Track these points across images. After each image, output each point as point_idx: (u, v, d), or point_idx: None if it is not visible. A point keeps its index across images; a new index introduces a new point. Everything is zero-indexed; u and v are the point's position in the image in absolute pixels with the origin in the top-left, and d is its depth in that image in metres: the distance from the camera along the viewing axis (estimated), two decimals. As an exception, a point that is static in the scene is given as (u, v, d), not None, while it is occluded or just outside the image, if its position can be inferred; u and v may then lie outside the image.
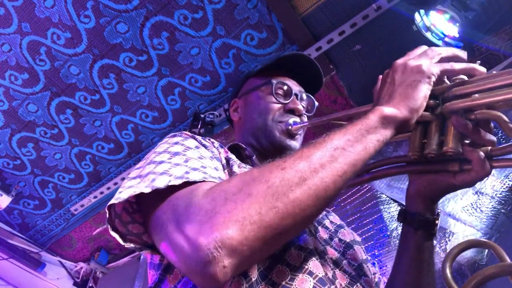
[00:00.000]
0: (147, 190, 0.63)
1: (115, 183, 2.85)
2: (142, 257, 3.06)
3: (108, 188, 2.88)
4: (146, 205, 0.68)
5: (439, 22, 1.94)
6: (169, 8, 2.23)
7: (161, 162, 0.69)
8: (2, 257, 2.93)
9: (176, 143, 0.78)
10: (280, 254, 0.73)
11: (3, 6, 2.23)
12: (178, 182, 0.63)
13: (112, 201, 0.66)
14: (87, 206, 2.98)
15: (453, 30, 1.93)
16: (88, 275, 3.35)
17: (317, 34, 2.28)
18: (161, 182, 0.63)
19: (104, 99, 2.55)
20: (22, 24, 2.29)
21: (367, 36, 2.26)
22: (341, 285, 0.77)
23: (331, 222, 0.98)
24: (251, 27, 2.29)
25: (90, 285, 3.31)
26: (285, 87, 1.12)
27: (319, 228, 0.91)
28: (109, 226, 0.69)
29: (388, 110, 0.68)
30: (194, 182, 0.64)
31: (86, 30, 2.30)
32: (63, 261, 3.32)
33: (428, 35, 1.95)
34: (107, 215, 0.67)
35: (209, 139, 0.89)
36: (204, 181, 0.65)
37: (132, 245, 0.71)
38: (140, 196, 0.66)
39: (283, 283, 0.69)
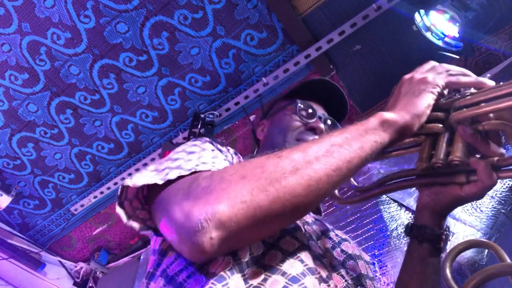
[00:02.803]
0: (161, 182, 0.68)
1: (115, 183, 2.85)
2: (142, 257, 3.06)
3: (108, 188, 2.88)
4: (156, 193, 0.72)
5: (439, 22, 1.93)
6: (169, 8, 2.23)
7: (176, 159, 0.75)
8: (2, 257, 2.93)
9: (194, 145, 0.83)
10: (274, 242, 0.75)
11: (3, 6, 2.23)
12: (187, 172, 0.69)
13: (128, 182, 0.69)
14: (87, 206, 2.98)
15: (453, 30, 1.93)
16: (88, 275, 3.35)
17: (317, 34, 2.28)
18: (173, 175, 0.68)
19: (104, 99, 2.56)
20: (22, 24, 2.29)
21: (367, 36, 2.26)
22: (336, 286, 0.77)
23: (336, 235, 0.98)
24: (251, 27, 2.29)
25: (90, 285, 3.31)
26: (310, 109, 1.14)
27: (323, 237, 0.91)
28: (117, 203, 0.72)
29: (388, 115, 0.70)
30: (201, 171, 0.69)
31: (86, 30, 2.30)
32: (63, 261, 3.32)
33: (428, 35, 1.95)
34: (119, 192, 0.71)
35: (226, 146, 0.93)
36: (210, 170, 0.70)
37: (134, 224, 0.73)
38: (152, 188, 0.71)
39: (273, 264, 0.70)
